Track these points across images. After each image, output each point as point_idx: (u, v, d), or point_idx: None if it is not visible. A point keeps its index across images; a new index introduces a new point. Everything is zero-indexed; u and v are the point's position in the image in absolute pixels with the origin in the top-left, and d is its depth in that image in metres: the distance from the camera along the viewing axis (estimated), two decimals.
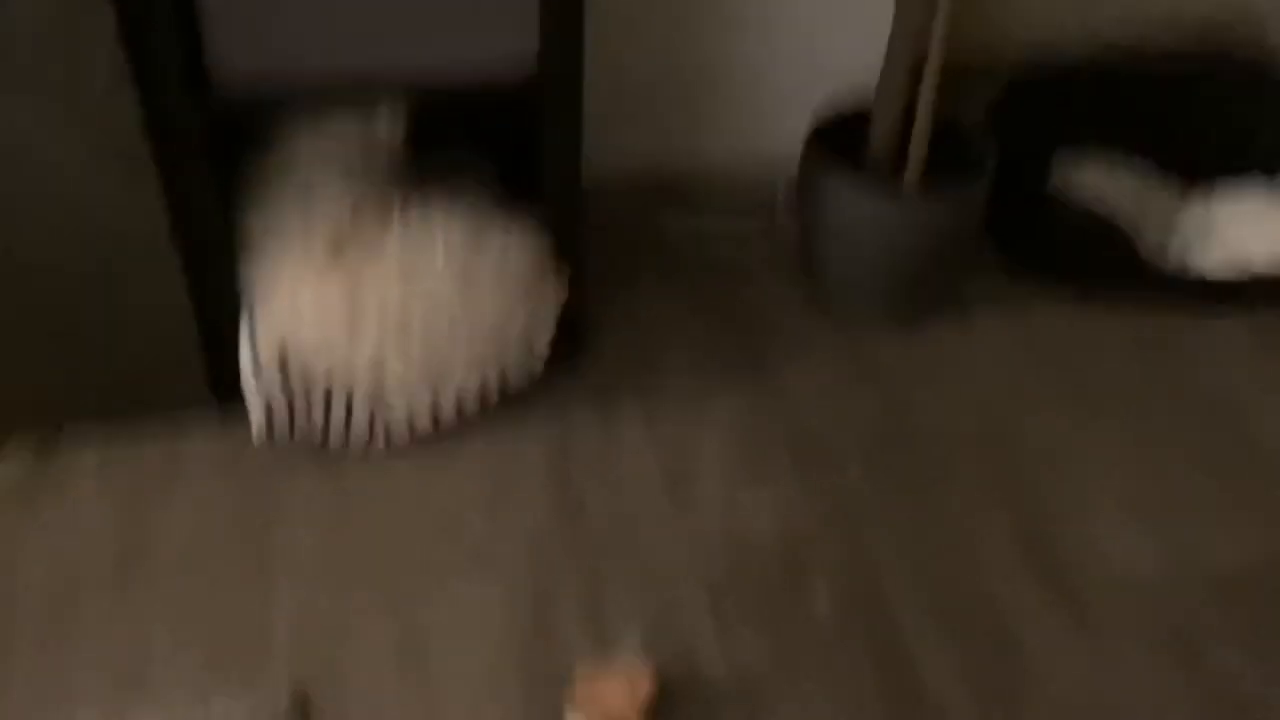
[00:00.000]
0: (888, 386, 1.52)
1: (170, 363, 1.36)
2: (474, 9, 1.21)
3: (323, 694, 1.13)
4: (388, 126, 1.34)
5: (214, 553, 1.26)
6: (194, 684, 1.13)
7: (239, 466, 1.34)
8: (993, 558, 1.30)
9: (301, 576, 1.24)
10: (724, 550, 1.30)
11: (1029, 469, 1.41)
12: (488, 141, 1.52)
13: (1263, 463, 1.42)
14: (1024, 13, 1.83)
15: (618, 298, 1.61)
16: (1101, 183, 1.71)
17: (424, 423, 1.36)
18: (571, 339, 1.47)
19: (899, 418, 1.47)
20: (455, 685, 1.15)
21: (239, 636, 1.18)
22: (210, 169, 1.23)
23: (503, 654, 1.18)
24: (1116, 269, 1.64)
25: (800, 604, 1.25)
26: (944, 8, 1.38)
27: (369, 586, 1.23)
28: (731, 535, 1.31)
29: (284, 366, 1.28)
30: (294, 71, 1.20)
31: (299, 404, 1.30)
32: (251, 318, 1.28)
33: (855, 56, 1.60)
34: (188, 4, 1.14)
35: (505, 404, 1.41)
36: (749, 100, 1.76)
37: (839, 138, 1.53)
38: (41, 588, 1.21)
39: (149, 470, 1.33)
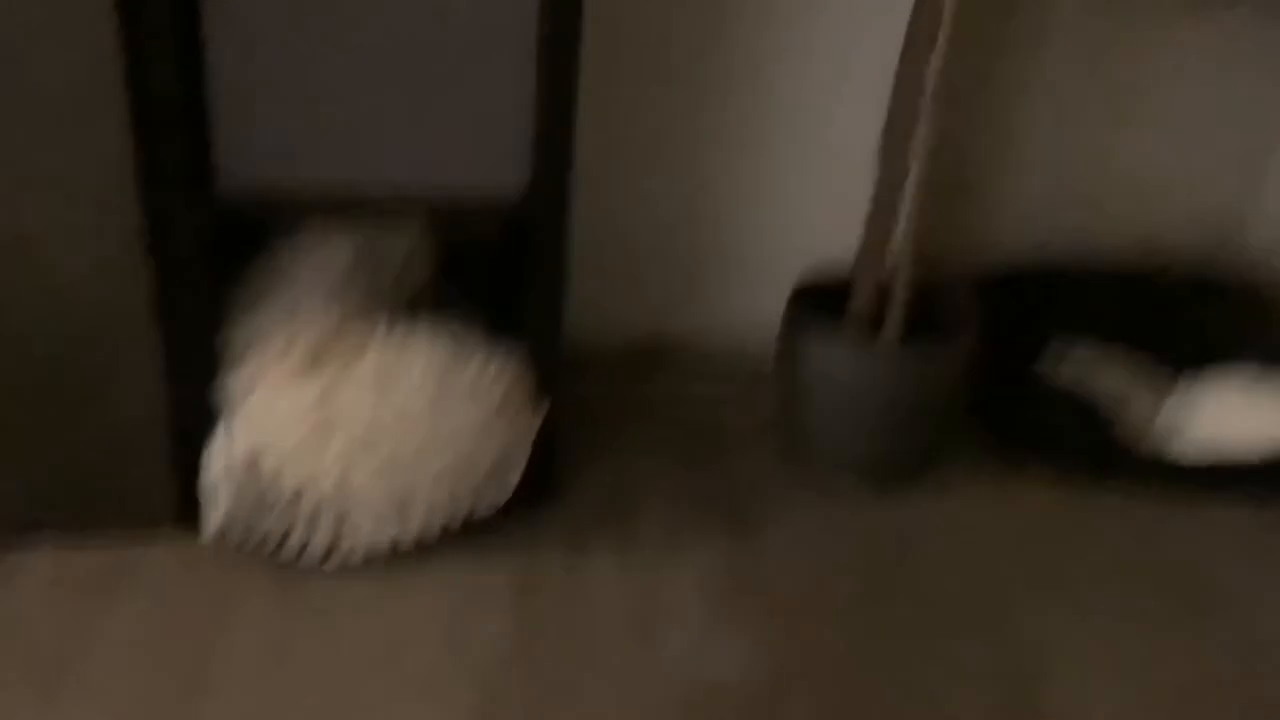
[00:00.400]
0: (867, 550, 1.49)
1: (138, 478, 1.34)
2: (473, 138, 1.27)
3: None
4: (384, 249, 1.38)
5: (152, 661, 1.21)
6: None
7: (191, 575, 1.31)
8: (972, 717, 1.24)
9: (237, 691, 1.18)
10: (685, 694, 1.24)
11: (1012, 641, 1.36)
12: (477, 281, 1.56)
13: (1245, 648, 1.37)
14: (1003, 223, 1.91)
15: (597, 450, 1.61)
16: (1085, 367, 1.74)
17: (386, 543, 1.33)
18: (545, 478, 1.45)
19: (877, 580, 1.44)
20: None
21: None
22: (205, 271, 1.26)
23: None
24: (1097, 451, 1.64)
25: None
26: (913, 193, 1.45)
27: (306, 708, 1.17)
28: (695, 679, 1.26)
29: (250, 471, 1.26)
30: (294, 185, 1.26)
31: (259, 511, 1.28)
32: (225, 420, 1.28)
33: (838, 230, 1.66)
34: (199, 110, 1.20)
35: (472, 533, 1.39)
36: (736, 270, 1.82)
37: (820, 301, 1.57)
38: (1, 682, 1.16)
39: (99, 572, 1.30)
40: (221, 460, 1.27)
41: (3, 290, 1.22)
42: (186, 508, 1.35)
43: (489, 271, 1.59)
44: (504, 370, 1.34)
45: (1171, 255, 1.94)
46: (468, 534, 1.38)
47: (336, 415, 1.26)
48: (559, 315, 1.38)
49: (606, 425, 1.67)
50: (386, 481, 1.29)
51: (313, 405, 1.26)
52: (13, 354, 1.25)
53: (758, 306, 1.76)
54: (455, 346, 1.33)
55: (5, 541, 1.32)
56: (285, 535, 1.30)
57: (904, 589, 1.43)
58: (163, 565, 1.32)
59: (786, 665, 1.29)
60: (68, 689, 1.17)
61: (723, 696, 1.24)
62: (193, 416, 1.32)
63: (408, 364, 1.29)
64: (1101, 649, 1.36)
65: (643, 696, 1.23)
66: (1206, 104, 1.86)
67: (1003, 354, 1.68)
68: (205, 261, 1.26)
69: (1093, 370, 1.75)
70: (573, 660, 1.26)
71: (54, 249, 1.21)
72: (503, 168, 1.29)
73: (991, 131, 1.86)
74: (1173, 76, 1.84)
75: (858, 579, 1.44)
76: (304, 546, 1.31)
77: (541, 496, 1.47)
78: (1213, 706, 1.29)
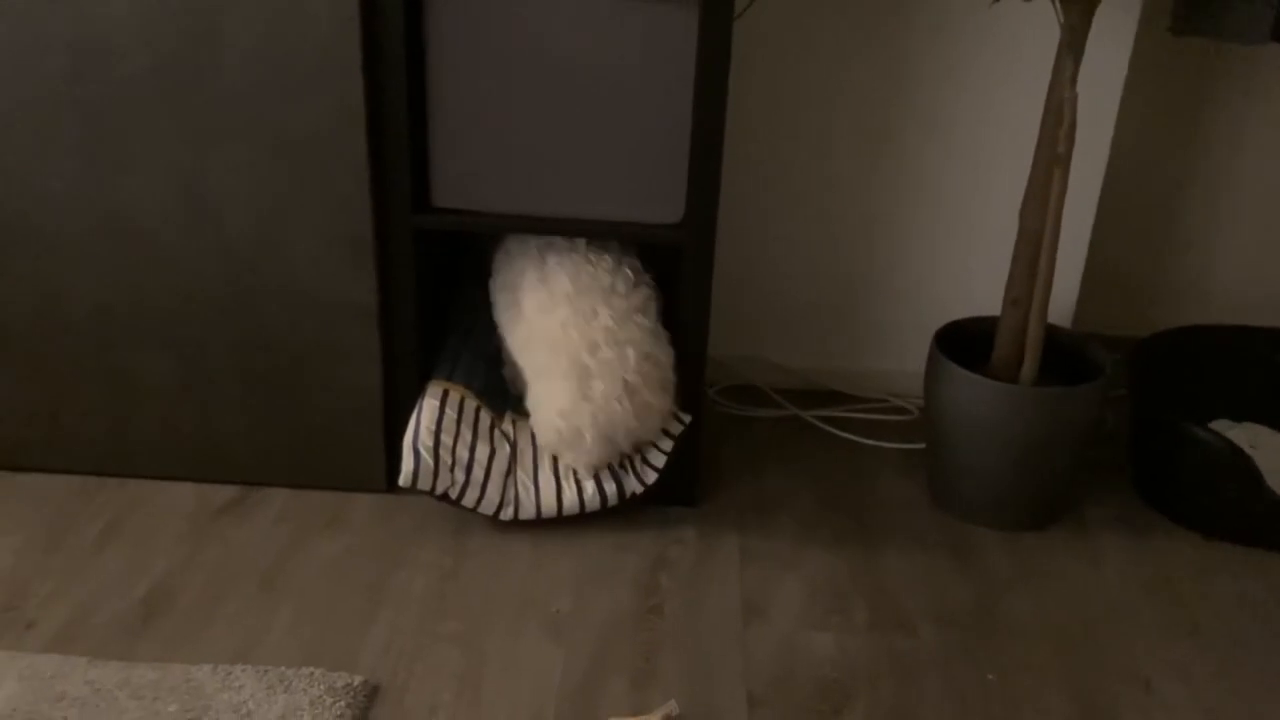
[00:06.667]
0: (984, 578, 1.57)
1: (356, 443, 1.65)
2: (638, 177, 1.53)
3: (390, 690, 1.31)
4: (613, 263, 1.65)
5: (343, 577, 1.50)
6: (294, 659, 1.34)
7: (387, 521, 1.61)
8: None
9: (404, 607, 1.45)
10: (776, 669, 1.38)
11: (1110, 682, 1.39)
12: None
13: None
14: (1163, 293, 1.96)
15: (750, 469, 1.80)
16: (1244, 430, 1.75)
17: (549, 506, 1.57)
18: (690, 483, 1.66)
19: (986, 606, 1.52)
20: (499, 711, 1.29)
21: (340, 637, 1.39)
22: (418, 277, 1.57)
23: (548, 700, 1.31)
24: (1247, 510, 1.64)
25: None
26: (1048, 246, 1.56)
27: (455, 627, 1.42)
28: (788, 659, 1.40)
29: (439, 428, 1.55)
30: (493, 207, 1.55)
31: (444, 460, 1.55)
32: (429, 384, 1.60)
33: (984, 278, 1.78)
34: (422, 149, 1.52)
35: (620, 518, 1.61)
36: (891, 313, 1.98)
37: (963, 345, 1.69)
38: (234, 577, 1.49)
39: (315, 514, 1.62)
40: (418, 414, 1.57)
41: (259, 291, 1.56)
42: (393, 469, 1.64)
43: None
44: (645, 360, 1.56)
45: None
46: (616, 518, 1.60)
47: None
48: (704, 333, 1.58)
49: (762, 449, 1.85)
50: (542, 422, 1.54)
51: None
52: (264, 343, 1.59)
53: (912, 348, 1.90)
54: None
55: (251, 484, 1.67)
56: (463, 491, 1.56)
57: (1012, 615, 1.50)
58: (365, 513, 1.62)
59: (876, 656, 1.41)
60: (278, 590, 1.47)
61: (806, 680, 1.37)
62: (403, 396, 1.62)
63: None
64: (1206, 701, 1.37)
65: (737, 666, 1.39)
66: None
67: (1161, 408, 1.72)
68: (419, 269, 1.57)
69: (1251, 432, 1.76)
70: (682, 627, 1.44)
71: (300, 258, 1.54)
72: (662, 202, 1.53)
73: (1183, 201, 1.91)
74: None
75: (968, 601, 1.52)
76: (478, 502, 1.57)
77: (687, 499, 1.67)
78: None
